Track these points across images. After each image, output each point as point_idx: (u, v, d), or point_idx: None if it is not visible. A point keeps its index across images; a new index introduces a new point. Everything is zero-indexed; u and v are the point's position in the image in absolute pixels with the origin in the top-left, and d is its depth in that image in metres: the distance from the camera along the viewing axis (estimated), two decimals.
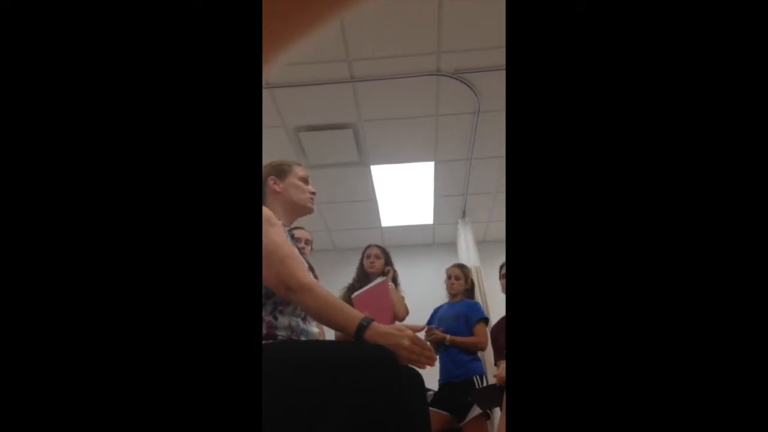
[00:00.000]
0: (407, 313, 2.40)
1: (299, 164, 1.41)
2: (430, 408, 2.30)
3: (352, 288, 2.45)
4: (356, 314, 1.04)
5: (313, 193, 1.36)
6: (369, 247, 2.59)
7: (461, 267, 2.77)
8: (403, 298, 2.45)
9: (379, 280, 2.16)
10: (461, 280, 2.68)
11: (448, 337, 2.42)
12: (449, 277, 2.70)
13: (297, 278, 1.07)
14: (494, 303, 3.35)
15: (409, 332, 1.00)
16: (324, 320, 1.07)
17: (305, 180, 1.37)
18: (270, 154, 1.38)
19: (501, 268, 2.57)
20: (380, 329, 1.00)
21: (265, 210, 1.20)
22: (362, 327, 1.00)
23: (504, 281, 2.48)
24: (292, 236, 1.30)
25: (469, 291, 2.71)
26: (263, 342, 1.08)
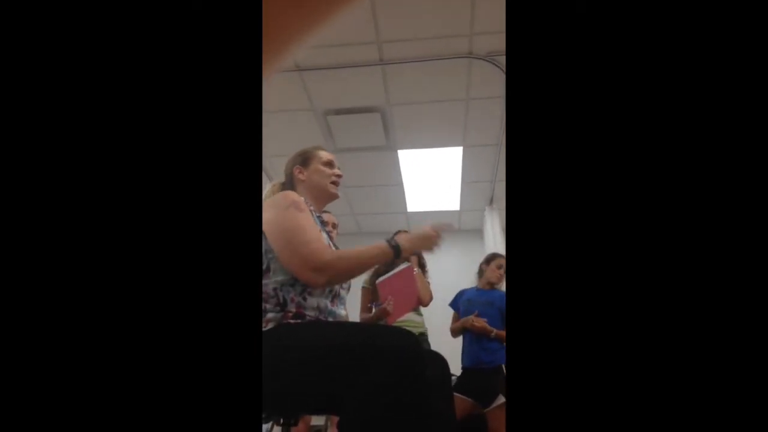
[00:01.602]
0: (431, 298, 2.40)
1: (323, 149, 1.40)
2: (455, 393, 2.32)
3: (377, 272, 2.46)
4: (381, 244, 1.14)
5: (339, 176, 1.35)
6: (397, 233, 2.59)
7: (503, 257, 2.74)
8: (428, 283, 2.44)
9: (404, 265, 2.17)
10: (502, 269, 2.66)
11: (494, 332, 2.40)
12: (500, 267, 2.66)
13: (320, 259, 1.08)
14: None
15: (426, 236, 1.13)
16: (364, 270, 1.13)
17: (329, 164, 1.36)
18: (298, 138, 1.39)
19: None
20: (410, 237, 1.15)
21: (294, 195, 1.20)
22: (394, 247, 1.12)
23: None
24: (322, 221, 1.30)
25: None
26: (292, 321, 1.10)
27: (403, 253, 1.13)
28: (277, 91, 2.88)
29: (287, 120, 3.12)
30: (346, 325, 1.06)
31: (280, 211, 1.14)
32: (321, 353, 0.95)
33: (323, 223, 1.30)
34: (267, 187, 1.43)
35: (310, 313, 1.12)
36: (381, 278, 2.15)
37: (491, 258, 2.71)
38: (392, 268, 2.33)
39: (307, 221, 1.14)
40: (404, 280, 2.16)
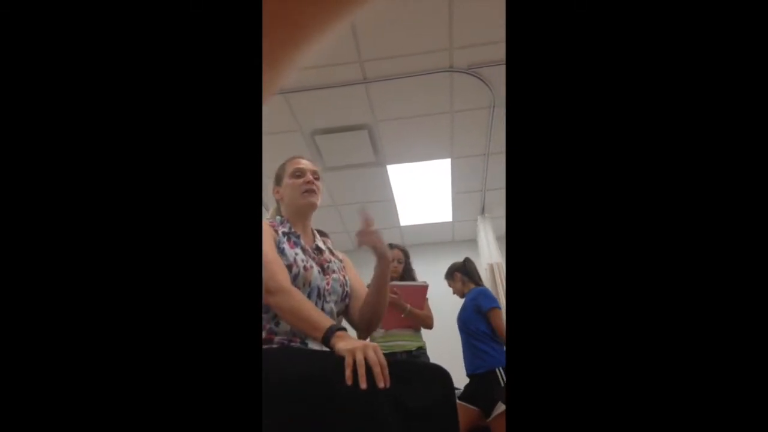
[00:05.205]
0: (432, 324, 2.39)
1: (295, 157, 1.32)
2: (461, 402, 2.29)
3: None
4: (327, 321, 1.02)
5: (309, 182, 1.24)
6: (390, 248, 2.57)
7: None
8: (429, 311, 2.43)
9: (422, 282, 2.19)
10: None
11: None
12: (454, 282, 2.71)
13: (276, 281, 1.06)
14: None
15: (373, 345, 0.94)
16: (296, 322, 1.05)
17: (298, 173, 1.26)
18: (287, 159, 1.38)
19: None
20: (346, 339, 0.96)
21: None
22: (330, 331, 0.99)
23: None
24: (302, 246, 1.22)
25: (476, 280, 2.68)
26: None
27: (332, 345, 0.97)
28: (264, 113, 2.90)
29: (275, 142, 3.13)
30: (306, 355, 1.03)
31: None
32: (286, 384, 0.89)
33: (317, 249, 1.24)
34: (269, 210, 1.39)
35: (280, 337, 1.10)
36: (398, 282, 2.14)
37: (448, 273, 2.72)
38: (408, 280, 2.33)
39: (265, 244, 1.11)
40: (417, 296, 2.17)
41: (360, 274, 1.41)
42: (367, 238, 1.18)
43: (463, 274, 2.68)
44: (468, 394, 2.39)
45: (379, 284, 1.22)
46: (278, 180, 1.31)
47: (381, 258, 1.19)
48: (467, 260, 2.75)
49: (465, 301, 2.60)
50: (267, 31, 0.18)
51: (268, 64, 0.20)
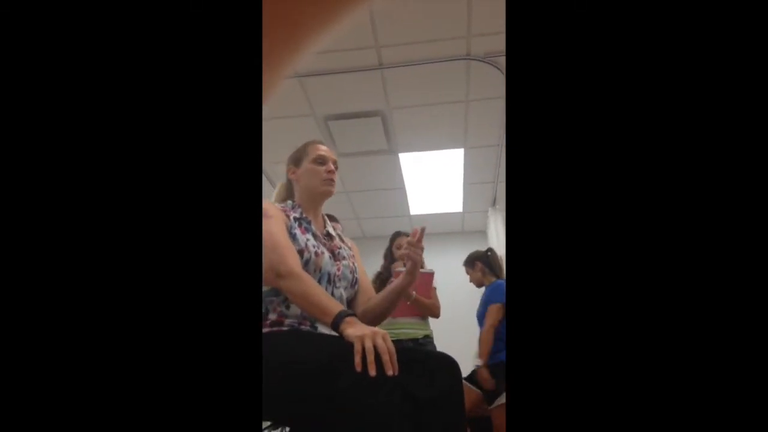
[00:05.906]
0: (439, 313, 2.40)
1: (317, 143, 1.31)
2: (466, 383, 2.33)
3: (380, 276, 2.46)
4: (337, 306, 1.03)
5: (330, 172, 1.25)
6: (398, 236, 2.57)
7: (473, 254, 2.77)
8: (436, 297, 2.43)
9: (429, 269, 2.17)
10: (475, 270, 2.70)
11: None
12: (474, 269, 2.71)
13: (287, 265, 1.07)
14: None
15: (382, 333, 0.93)
16: (306, 306, 1.06)
17: (321, 160, 1.26)
18: (299, 144, 1.38)
19: None
20: (356, 326, 0.96)
21: (265, 203, 1.17)
22: (340, 316, 1.00)
23: None
24: (314, 232, 1.23)
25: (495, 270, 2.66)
26: (271, 329, 1.09)
27: (341, 331, 0.97)
28: (278, 97, 2.90)
29: (288, 126, 3.13)
30: (314, 339, 1.04)
31: None
32: (292, 366, 0.92)
33: (327, 235, 1.24)
34: (276, 189, 1.39)
35: (291, 320, 1.11)
36: (400, 269, 2.16)
37: (467, 262, 2.72)
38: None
39: (275, 227, 1.12)
40: (423, 283, 2.17)
41: (366, 263, 1.41)
42: (414, 251, 1.15)
43: (484, 264, 2.66)
44: (474, 378, 2.41)
45: (392, 296, 1.21)
46: (297, 161, 1.30)
47: (409, 274, 1.17)
48: (490, 251, 2.73)
49: (483, 295, 2.59)
50: (267, 31, 0.18)
51: (268, 64, 0.20)
